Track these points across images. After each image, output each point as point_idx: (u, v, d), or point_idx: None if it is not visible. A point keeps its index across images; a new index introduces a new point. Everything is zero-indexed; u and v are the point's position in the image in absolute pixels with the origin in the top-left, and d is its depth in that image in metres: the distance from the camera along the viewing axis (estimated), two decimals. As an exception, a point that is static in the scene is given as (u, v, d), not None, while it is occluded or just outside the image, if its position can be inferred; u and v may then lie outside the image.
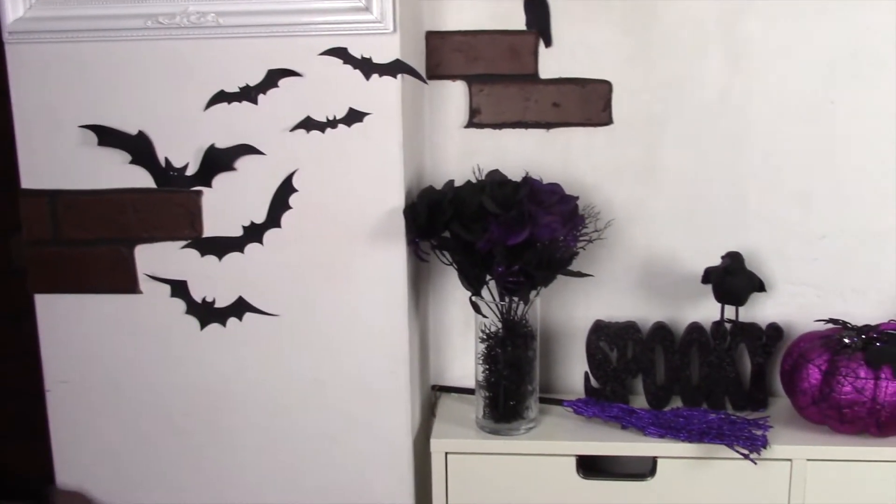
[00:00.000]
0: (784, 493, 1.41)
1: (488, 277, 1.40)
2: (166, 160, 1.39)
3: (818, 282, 1.53)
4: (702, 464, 1.41)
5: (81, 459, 1.49)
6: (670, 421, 1.45)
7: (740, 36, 1.47)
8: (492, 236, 1.32)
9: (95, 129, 1.38)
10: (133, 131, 1.38)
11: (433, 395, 1.60)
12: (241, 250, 1.41)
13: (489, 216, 1.33)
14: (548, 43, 1.49)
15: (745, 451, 1.38)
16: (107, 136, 1.38)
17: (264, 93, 1.36)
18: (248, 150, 1.38)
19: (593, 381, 1.54)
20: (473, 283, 1.42)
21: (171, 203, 1.40)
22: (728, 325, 1.49)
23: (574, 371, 1.59)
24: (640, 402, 1.53)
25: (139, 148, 1.38)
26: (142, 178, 1.40)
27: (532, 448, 1.44)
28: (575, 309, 1.57)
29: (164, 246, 1.42)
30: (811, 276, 1.53)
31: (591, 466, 1.45)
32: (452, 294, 1.57)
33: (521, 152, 1.52)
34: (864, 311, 1.52)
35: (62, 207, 1.41)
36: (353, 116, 1.36)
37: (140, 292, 1.43)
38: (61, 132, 1.39)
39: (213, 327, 1.44)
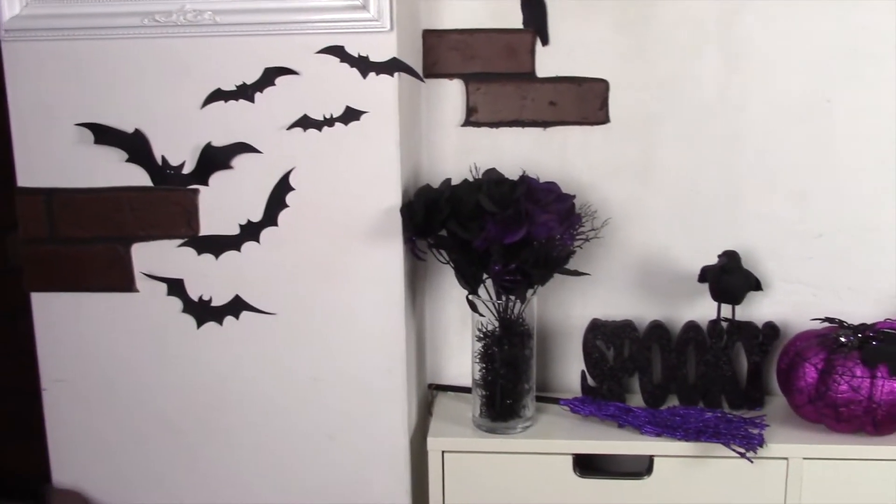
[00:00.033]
0: (780, 491, 1.41)
1: (485, 276, 1.40)
2: (163, 158, 1.39)
3: (814, 281, 1.54)
4: (698, 462, 1.42)
5: (78, 458, 1.49)
6: (667, 419, 1.45)
7: (737, 35, 1.47)
8: (489, 235, 1.33)
9: (92, 127, 1.38)
10: (129, 129, 1.38)
11: (430, 394, 1.60)
12: (238, 249, 1.41)
13: (486, 215, 1.33)
14: (545, 41, 1.49)
15: (742, 450, 1.38)
16: (103, 135, 1.38)
17: (261, 91, 1.36)
18: (244, 148, 1.38)
19: (590, 380, 1.54)
20: (470, 282, 1.42)
21: (167, 201, 1.40)
22: (724, 324, 1.49)
23: (571, 370, 1.59)
24: (636, 400, 1.53)
25: (136, 146, 1.38)
26: (138, 177, 1.39)
27: (529, 447, 1.44)
28: (572, 307, 1.57)
29: (160, 244, 1.42)
30: (807, 274, 1.54)
31: (587, 465, 1.46)
32: (449, 293, 1.57)
33: (518, 151, 1.52)
34: (861, 310, 1.52)
35: (58, 205, 1.41)
36: (350, 115, 1.36)
37: (136, 291, 1.43)
38: (58, 130, 1.38)
39: (210, 326, 1.44)
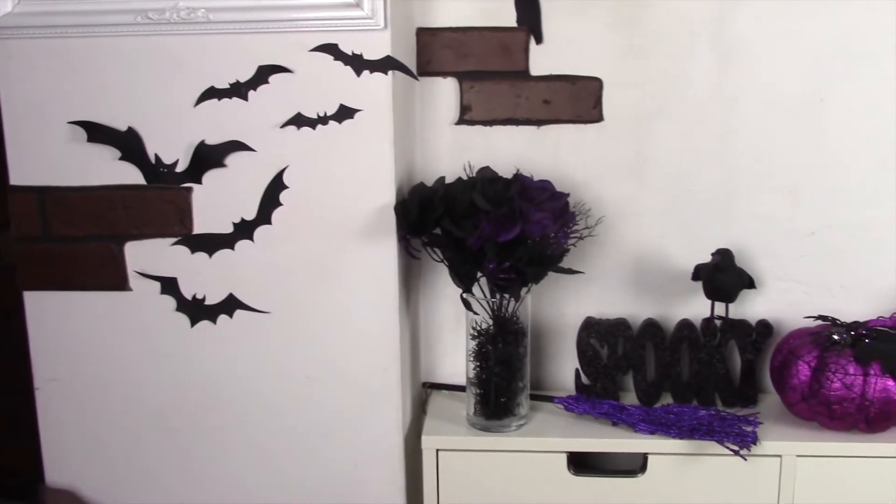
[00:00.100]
0: (774, 488, 1.42)
1: (479, 274, 1.40)
2: (156, 156, 1.38)
3: (807, 279, 1.54)
4: (692, 460, 1.42)
5: (71, 458, 1.49)
6: (661, 417, 1.45)
7: (730, 33, 1.47)
8: (483, 233, 1.33)
9: (85, 125, 1.37)
10: (123, 127, 1.38)
11: (424, 392, 1.60)
12: (232, 247, 1.41)
13: (480, 213, 1.33)
14: (538, 40, 1.49)
15: (735, 448, 1.39)
16: (96, 133, 1.38)
17: (255, 89, 1.35)
18: (238, 146, 1.37)
19: (584, 378, 1.54)
20: (464, 280, 1.42)
21: (160, 200, 1.40)
22: (718, 322, 1.50)
23: (565, 368, 1.59)
24: (630, 398, 1.53)
25: (129, 144, 1.38)
26: (131, 175, 1.39)
27: (523, 445, 1.44)
28: (566, 306, 1.57)
29: (153, 243, 1.41)
30: (800, 272, 1.54)
31: (581, 463, 1.46)
32: (443, 291, 1.57)
33: (512, 149, 1.52)
34: (853, 308, 1.52)
35: (51, 204, 1.41)
36: (344, 113, 1.36)
37: (130, 289, 1.43)
38: (50, 128, 1.38)
39: (204, 325, 1.43)
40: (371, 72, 1.34)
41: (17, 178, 1.40)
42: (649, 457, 1.43)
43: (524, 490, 1.45)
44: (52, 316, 1.44)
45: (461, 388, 1.52)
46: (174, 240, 1.41)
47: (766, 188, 1.52)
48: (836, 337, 1.42)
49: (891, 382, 1.38)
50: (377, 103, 1.35)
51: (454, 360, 1.59)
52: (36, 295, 1.44)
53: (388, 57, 1.34)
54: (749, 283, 1.47)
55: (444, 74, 1.51)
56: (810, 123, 1.49)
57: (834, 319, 1.47)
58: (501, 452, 1.44)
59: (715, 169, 1.52)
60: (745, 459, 1.39)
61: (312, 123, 1.36)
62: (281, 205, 1.39)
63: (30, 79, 1.36)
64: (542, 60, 1.50)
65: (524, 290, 1.42)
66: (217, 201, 1.39)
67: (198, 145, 1.37)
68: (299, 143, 1.37)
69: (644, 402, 1.52)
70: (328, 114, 1.36)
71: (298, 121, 1.36)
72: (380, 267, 1.40)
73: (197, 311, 1.43)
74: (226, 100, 1.36)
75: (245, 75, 1.35)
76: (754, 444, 1.39)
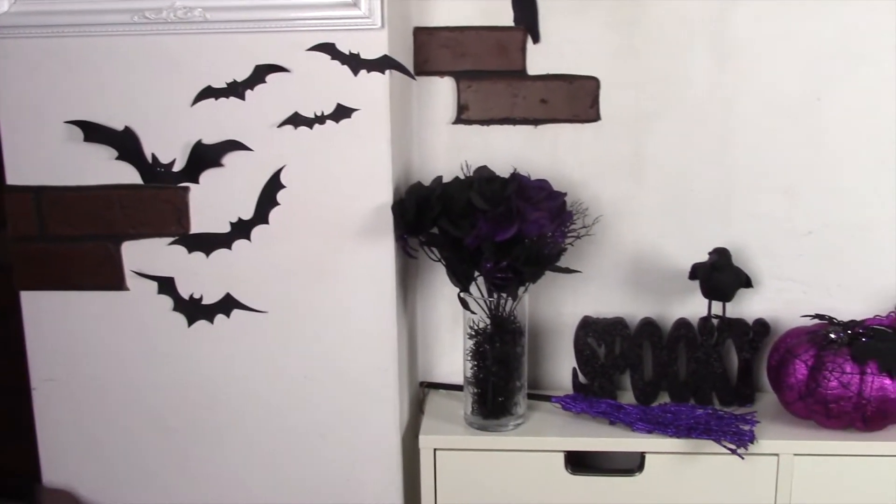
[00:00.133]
0: (771, 487, 1.42)
1: (476, 274, 1.40)
2: (153, 156, 1.38)
3: (804, 277, 1.54)
4: (689, 459, 1.42)
5: (68, 458, 1.49)
6: (658, 416, 1.45)
7: (727, 33, 1.47)
8: (480, 232, 1.33)
9: (81, 124, 1.37)
10: (119, 127, 1.37)
11: (422, 392, 1.60)
12: (229, 247, 1.41)
13: (477, 212, 1.33)
14: (535, 39, 1.49)
15: (733, 446, 1.39)
16: (93, 132, 1.37)
17: (252, 88, 1.35)
18: (235, 146, 1.37)
19: (581, 377, 1.54)
20: (462, 280, 1.42)
21: (157, 199, 1.40)
22: (715, 321, 1.50)
23: (562, 367, 1.59)
24: (627, 397, 1.53)
25: (125, 144, 1.38)
26: (128, 174, 1.39)
27: (520, 444, 1.44)
28: (563, 305, 1.58)
29: (150, 242, 1.41)
30: (797, 271, 1.54)
31: (579, 462, 1.46)
32: (441, 290, 1.57)
33: (509, 149, 1.52)
34: (850, 307, 1.52)
35: (48, 204, 1.40)
36: (341, 112, 1.35)
37: (127, 289, 1.43)
38: (47, 128, 1.38)
39: (201, 324, 1.43)
40: (368, 71, 1.34)
41: (13, 177, 1.40)
42: (647, 456, 1.43)
43: (522, 489, 1.45)
44: (48, 316, 1.44)
45: (459, 388, 1.53)
46: (171, 239, 1.41)
47: (763, 188, 1.52)
48: (833, 336, 1.42)
49: (887, 381, 1.38)
50: (374, 103, 1.35)
51: (452, 359, 1.59)
52: (32, 295, 1.44)
53: (385, 56, 1.34)
54: (746, 282, 1.47)
55: (442, 74, 1.51)
56: (808, 123, 1.49)
57: (831, 318, 1.47)
58: (499, 452, 1.44)
59: (712, 168, 1.52)
60: (743, 458, 1.39)
61: (310, 123, 1.36)
62: (278, 204, 1.39)
63: (26, 78, 1.36)
64: (540, 60, 1.50)
65: (521, 289, 1.42)
66: (214, 201, 1.39)
67: (195, 145, 1.37)
68: (296, 143, 1.36)
69: (641, 401, 1.52)
70: (325, 113, 1.36)
71: (296, 120, 1.36)
72: (377, 266, 1.40)
73: (194, 310, 1.43)
74: (223, 99, 1.35)
75: (242, 75, 1.35)
76: (751, 442, 1.39)
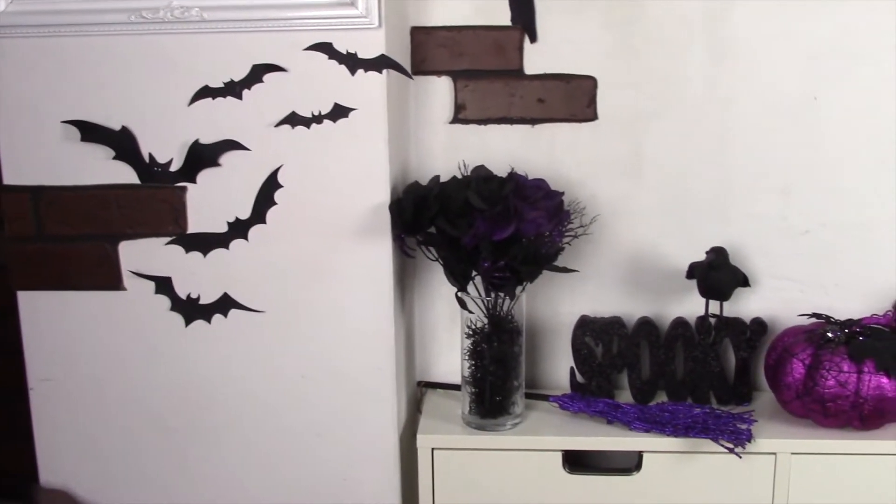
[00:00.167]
0: (768, 486, 1.42)
1: (474, 273, 1.41)
2: (150, 156, 1.38)
3: (802, 277, 1.54)
4: (687, 458, 1.42)
5: (65, 458, 1.48)
6: (655, 415, 1.45)
7: (725, 32, 1.47)
8: (477, 231, 1.33)
9: (78, 124, 1.37)
10: (116, 127, 1.37)
11: (419, 392, 1.60)
12: (226, 246, 1.41)
13: (475, 212, 1.33)
14: (533, 38, 1.49)
15: (730, 445, 1.39)
16: (90, 132, 1.37)
17: (249, 88, 1.35)
18: (232, 145, 1.37)
19: (579, 377, 1.54)
20: (459, 279, 1.42)
21: (155, 199, 1.40)
22: (713, 320, 1.50)
23: (560, 366, 1.59)
24: (625, 396, 1.53)
25: (123, 143, 1.38)
26: (125, 174, 1.39)
27: (518, 443, 1.44)
28: (560, 304, 1.58)
29: (148, 242, 1.41)
30: (795, 271, 1.54)
31: (577, 461, 1.46)
32: (438, 290, 1.57)
33: (507, 148, 1.52)
34: (847, 306, 1.52)
35: (45, 203, 1.40)
36: (339, 112, 1.35)
37: (124, 289, 1.42)
38: (44, 127, 1.38)
39: (198, 324, 1.43)
40: (365, 71, 1.34)
41: (10, 177, 1.40)
42: (644, 455, 1.43)
43: (519, 489, 1.45)
44: (46, 316, 1.44)
45: (456, 387, 1.53)
46: (168, 239, 1.41)
47: (761, 187, 1.52)
48: (830, 335, 1.42)
49: (885, 380, 1.38)
50: (371, 102, 1.35)
51: (449, 358, 1.59)
52: (30, 295, 1.44)
53: (382, 56, 1.34)
54: (743, 281, 1.47)
55: (439, 73, 1.51)
56: (806, 123, 1.49)
57: (828, 317, 1.47)
58: (496, 451, 1.44)
59: (710, 168, 1.52)
60: (740, 457, 1.39)
61: (307, 122, 1.36)
62: (275, 204, 1.39)
63: (23, 78, 1.36)
64: (537, 59, 1.50)
65: (519, 288, 1.42)
66: (211, 200, 1.39)
67: (192, 144, 1.37)
68: (294, 142, 1.36)
69: (639, 401, 1.52)
70: (322, 113, 1.36)
71: (293, 120, 1.36)
72: (374, 266, 1.40)
73: (191, 310, 1.42)
74: (220, 99, 1.35)
75: (239, 74, 1.35)
76: (749, 441, 1.39)
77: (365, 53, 1.34)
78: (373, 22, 1.32)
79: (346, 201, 1.38)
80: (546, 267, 1.41)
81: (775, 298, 1.55)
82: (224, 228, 1.40)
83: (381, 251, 1.40)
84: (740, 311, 1.53)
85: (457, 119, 1.53)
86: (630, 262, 1.56)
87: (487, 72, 1.51)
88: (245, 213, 1.39)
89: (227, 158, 1.38)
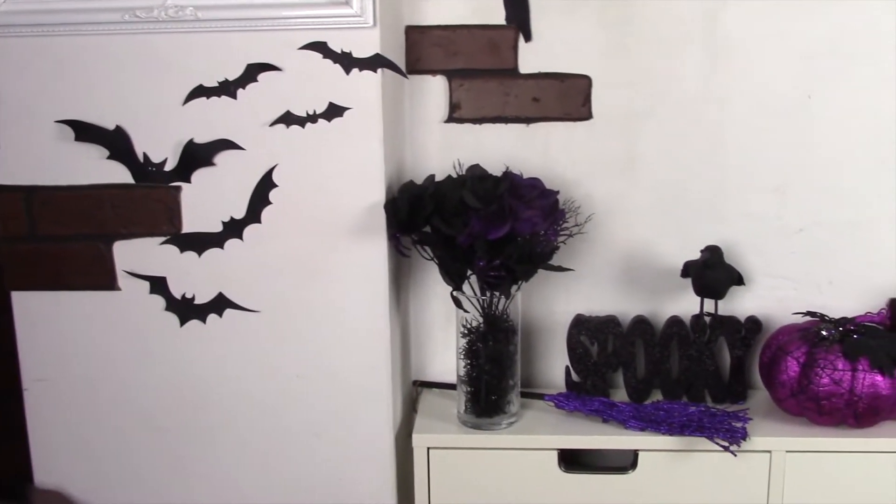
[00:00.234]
0: (763, 484, 1.42)
1: (469, 272, 1.40)
2: (144, 155, 1.38)
3: (796, 275, 1.55)
4: (682, 456, 1.42)
5: (60, 458, 1.48)
6: (651, 414, 1.45)
7: (719, 31, 1.47)
8: (473, 231, 1.33)
9: (72, 124, 1.37)
10: (111, 126, 1.37)
11: (415, 391, 1.60)
12: (221, 246, 1.40)
13: (470, 211, 1.33)
14: (527, 38, 1.49)
15: (725, 444, 1.39)
16: (84, 132, 1.37)
17: (243, 87, 1.35)
18: (227, 145, 1.37)
19: (574, 376, 1.54)
20: (454, 278, 1.42)
21: (149, 199, 1.39)
22: (707, 319, 1.50)
23: (555, 365, 1.59)
24: (620, 395, 1.54)
25: (117, 143, 1.37)
26: (120, 174, 1.38)
27: (514, 442, 1.44)
28: (555, 303, 1.58)
29: (142, 242, 1.41)
30: (789, 269, 1.55)
31: (572, 460, 1.46)
32: (433, 289, 1.57)
33: (501, 147, 1.52)
34: (842, 304, 1.53)
35: (39, 203, 1.40)
36: (333, 111, 1.35)
37: (118, 289, 1.42)
38: (38, 127, 1.37)
39: (193, 324, 1.43)
40: (360, 70, 1.34)
41: (3, 177, 1.39)
42: (640, 453, 1.43)
43: (515, 487, 1.45)
44: (40, 316, 1.43)
45: (452, 386, 1.53)
46: (163, 239, 1.40)
47: (755, 186, 1.52)
48: (824, 333, 1.43)
49: (879, 378, 1.38)
50: (366, 101, 1.35)
51: (444, 358, 1.59)
52: (23, 295, 1.43)
53: (377, 55, 1.34)
54: (738, 279, 1.47)
55: (434, 72, 1.51)
56: (800, 122, 1.50)
57: (822, 315, 1.47)
58: (492, 450, 1.44)
59: (704, 167, 1.52)
60: (735, 455, 1.39)
61: (302, 122, 1.36)
62: (270, 203, 1.39)
63: (17, 77, 1.36)
64: (532, 58, 1.50)
65: (514, 287, 1.42)
66: (206, 200, 1.39)
67: (186, 144, 1.37)
68: (289, 142, 1.36)
69: (634, 399, 1.52)
70: (317, 112, 1.35)
71: (288, 119, 1.36)
72: (370, 265, 1.40)
73: (186, 310, 1.42)
74: (214, 98, 1.35)
75: (234, 73, 1.35)
76: (744, 440, 1.40)
77: (360, 53, 1.33)
78: (367, 21, 1.32)
79: (341, 200, 1.38)
80: (541, 266, 1.41)
81: (770, 297, 1.55)
82: (219, 228, 1.40)
83: (376, 250, 1.40)
84: (735, 310, 1.54)
85: (452, 118, 1.53)
86: (625, 261, 1.56)
87: (482, 71, 1.51)
88: (240, 213, 1.39)
89: (221, 158, 1.38)
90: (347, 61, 1.34)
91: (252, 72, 1.34)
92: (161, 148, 1.38)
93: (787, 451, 1.41)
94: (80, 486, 1.49)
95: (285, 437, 1.46)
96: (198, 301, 1.42)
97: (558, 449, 1.44)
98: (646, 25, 1.47)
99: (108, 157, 1.38)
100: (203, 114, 1.36)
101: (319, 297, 1.41)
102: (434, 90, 1.52)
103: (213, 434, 1.47)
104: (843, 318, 1.46)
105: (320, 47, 1.33)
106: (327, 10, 1.32)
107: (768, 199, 1.53)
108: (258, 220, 1.39)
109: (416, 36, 1.49)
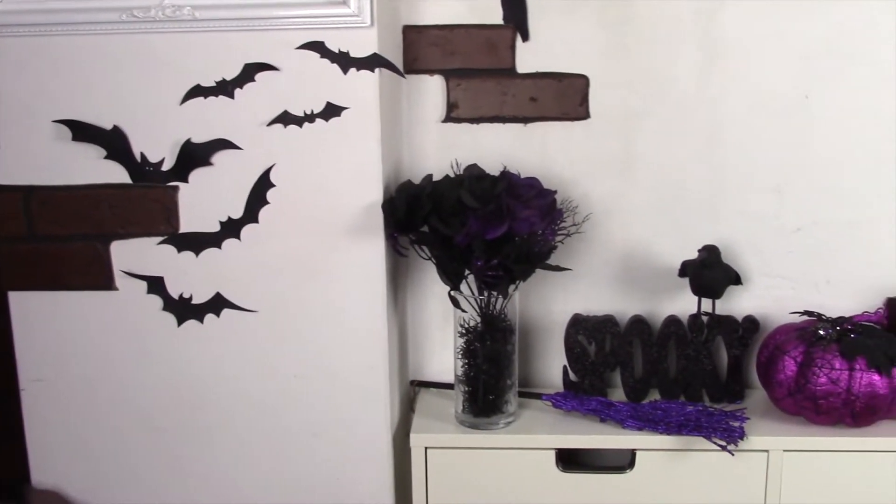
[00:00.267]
0: (761, 483, 1.42)
1: (467, 272, 1.40)
2: (142, 155, 1.38)
3: (793, 274, 1.55)
4: (680, 456, 1.42)
5: (57, 458, 1.48)
6: (648, 413, 1.45)
7: (717, 32, 1.48)
8: (470, 230, 1.33)
9: (70, 123, 1.37)
10: (108, 126, 1.37)
11: (412, 391, 1.60)
12: (219, 246, 1.40)
13: (467, 210, 1.33)
14: (525, 37, 1.49)
15: (723, 443, 1.39)
16: (81, 131, 1.37)
17: (241, 87, 1.35)
18: (224, 144, 1.37)
19: (572, 375, 1.54)
20: (452, 278, 1.42)
21: (146, 198, 1.39)
22: (705, 318, 1.50)
23: (553, 365, 1.59)
24: (618, 395, 1.54)
25: (114, 143, 1.37)
26: (117, 174, 1.38)
27: (511, 442, 1.44)
28: (553, 303, 1.58)
29: (140, 242, 1.41)
30: (786, 268, 1.55)
31: (570, 460, 1.46)
32: (431, 289, 1.57)
33: (499, 147, 1.52)
34: (839, 303, 1.53)
35: (36, 203, 1.40)
36: (331, 111, 1.35)
37: (116, 289, 1.42)
38: (35, 127, 1.37)
39: (191, 324, 1.43)
40: (358, 69, 1.34)
41: (1, 177, 1.39)
42: (637, 453, 1.43)
43: (513, 487, 1.45)
44: (37, 316, 1.43)
45: (449, 386, 1.53)
46: (160, 239, 1.40)
47: (752, 185, 1.52)
48: (821, 332, 1.43)
49: (876, 377, 1.39)
50: (364, 101, 1.35)
51: (442, 357, 1.59)
52: (21, 295, 1.43)
53: (374, 55, 1.34)
54: (735, 279, 1.47)
55: (431, 72, 1.51)
56: (797, 122, 1.50)
57: (820, 315, 1.47)
58: (490, 450, 1.44)
59: (702, 166, 1.52)
60: (733, 455, 1.39)
61: (299, 121, 1.36)
62: (268, 203, 1.39)
63: (14, 77, 1.36)
64: (529, 58, 1.50)
65: (512, 287, 1.42)
66: (204, 200, 1.39)
67: (184, 144, 1.37)
68: (286, 141, 1.36)
69: (632, 399, 1.52)
70: (315, 112, 1.35)
71: (285, 119, 1.36)
72: (367, 265, 1.40)
73: (184, 310, 1.42)
74: (212, 98, 1.35)
75: (231, 73, 1.34)
76: (741, 439, 1.40)
77: (357, 52, 1.33)
78: (365, 21, 1.32)
79: (338, 200, 1.38)
80: (539, 265, 1.41)
81: (767, 296, 1.55)
82: (216, 228, 1.40)
83: (373, 250, 1.40)
84: (732, 309, 1.54)
85: (449, 118, 1.53)
86: (622, 261, 1.56)
87: (480, 70, 1.51)
88: (237, 213, 1.39)
89: (219, 158, 1.38)
90: (345, 61, 1.34)
91: (249, 71, 1.34)
92: (158, 148, 1.37)
93: (785, 451, 1.41)
94: (78, 486, 1.49)
95: (283, 437, 1.46)
96: (195, 301, 1.42)
97: (556, 448, 1.44)
98: (643, 25, 1.48)
99: (106, 157, 1.38)
100: (200, 113, 1.35)
101: (317, 297, 1.41)
102: (431, 90, 1.52)
103: (211, 434, 1.47)
104: (841, 318, 1.46)
105: (318, 47, 1.33)
106: (325, 9, 1.32)
107: (766, 198, 1.53)
108: (256, 220, 1.39)
109: (414, 35, 1.49)
